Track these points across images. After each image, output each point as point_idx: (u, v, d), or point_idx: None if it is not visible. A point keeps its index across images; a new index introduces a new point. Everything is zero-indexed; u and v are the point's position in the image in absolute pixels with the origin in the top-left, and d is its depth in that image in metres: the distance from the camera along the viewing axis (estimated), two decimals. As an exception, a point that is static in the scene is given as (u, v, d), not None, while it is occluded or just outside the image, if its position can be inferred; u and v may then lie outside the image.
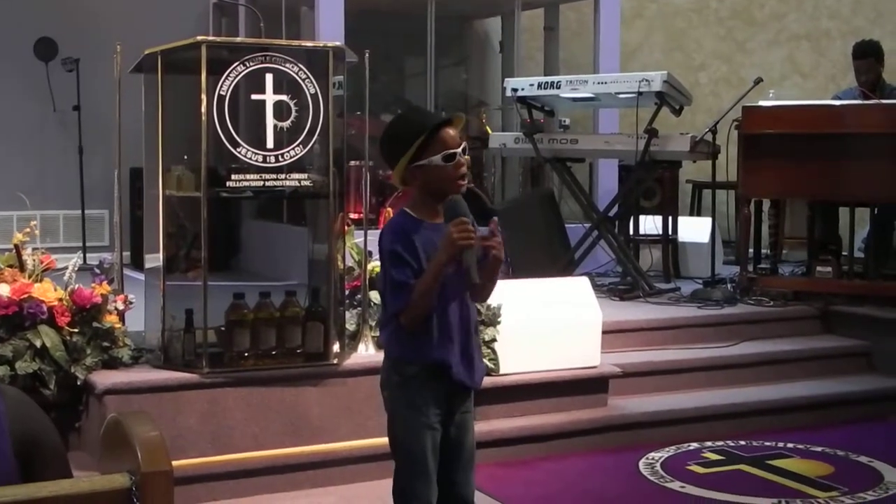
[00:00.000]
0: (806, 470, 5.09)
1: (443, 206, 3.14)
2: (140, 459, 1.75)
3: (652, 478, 4.96)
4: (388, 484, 3.27)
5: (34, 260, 4.84)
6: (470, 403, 3.31)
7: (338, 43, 5.09)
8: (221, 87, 4.65)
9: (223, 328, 4.89)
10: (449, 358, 3.15)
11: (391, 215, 3.84)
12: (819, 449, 5.43)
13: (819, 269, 7.09)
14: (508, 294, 5.37)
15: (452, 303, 3.15)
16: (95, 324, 4.73)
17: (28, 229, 4.88)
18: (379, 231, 3.33)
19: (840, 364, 6.55)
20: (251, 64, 4.70)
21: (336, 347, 4.95)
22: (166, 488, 1.75)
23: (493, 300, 5.26)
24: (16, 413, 2.03)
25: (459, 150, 3.14)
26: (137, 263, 6.85)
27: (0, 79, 8.87)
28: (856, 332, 6.74)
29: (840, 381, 6.34)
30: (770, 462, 5.20)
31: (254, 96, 4.76)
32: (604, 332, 5.66)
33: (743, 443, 5.51)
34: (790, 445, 5.47)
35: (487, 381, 5.14)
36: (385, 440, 3.30)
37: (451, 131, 3.15)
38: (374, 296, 5.13)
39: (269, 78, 4.73)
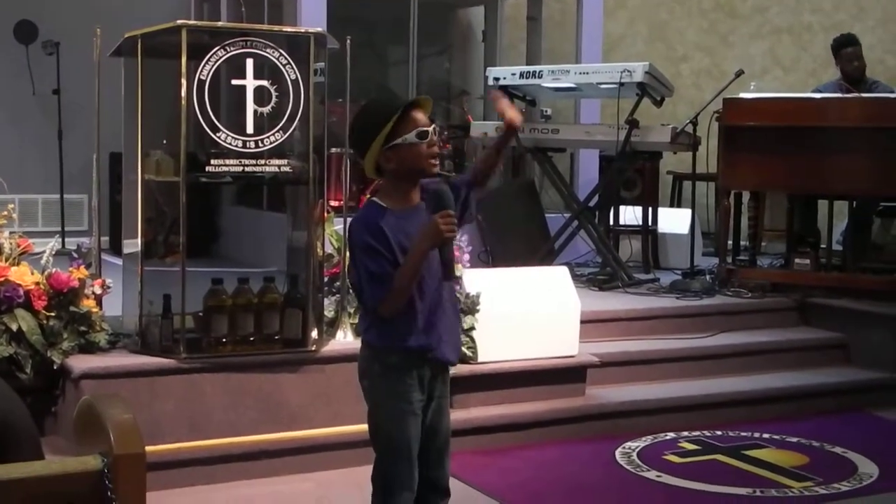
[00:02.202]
0: (781, 460, 5.11)
1: (426, 197, 3.16)
2: (112, 441, 1.74)
3: (628, 467, 4.97)
4: (364, 471, 3.28)
5: (11, 243, 4.81)
6: (446, 389, 3.32)
7: (319, 29, 5.08)
8: (202, 71, 4.63)
9: (201, 314, 4.88)
10: (430, 341, 3.16)
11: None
12: (794, 439, 5.45)
13: (797, 261, 7.12)
14: (488, 283, 5.38)
15: (431, 285, 3.16)
16: (72, 308, 4.71)
17: (6, 213, 4.85)
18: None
19: (817, 356, 6.58)
20: (232, 49, 4.68)
21: (314, 334, 4.95)
22: (139, 470, 1.75)
23: (472, 289, 5.27)
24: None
25: (431, 129, 3.16)
26: (116, 248, 6.82)
27: (-21, 62, 8.84)
28: (833, 325, 6.78)
29: (816, 372, 6.37)
30: (746, 452, 5.22)
31: (234, 81, 4.74)
32: (582, 322, 5.67)
33: (719, 433, 5.54)
34: (766, 436, 5.50)
35: (465, 368, 5.16)
36: (362, 427, 3.31)
37: (419, 112, 3.18)
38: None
39: (249, 63, 4.72)
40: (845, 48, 7.80)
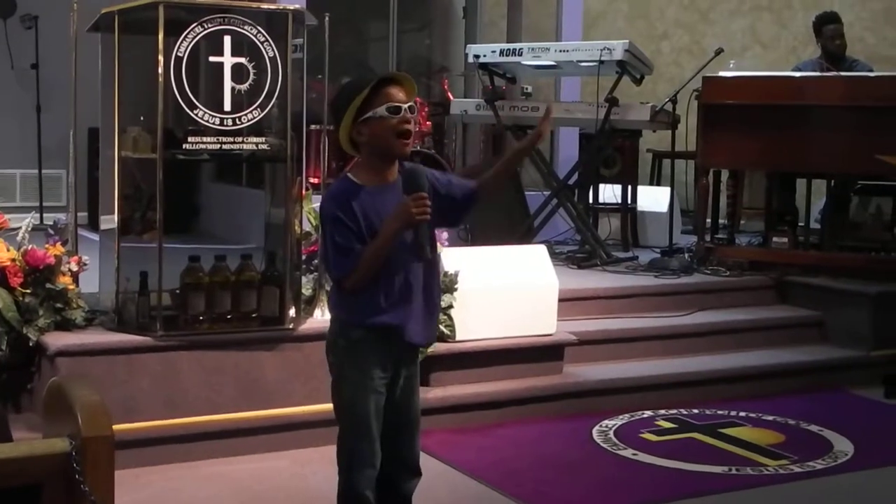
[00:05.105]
0: (757, 438, 5.14)
1: (401, 176, 3.16)
2: (80, 424, 1.74)
3: (605, 445, 4.99)
4: (336, 448, 3.29)
5: (-14, 220, 4.79)
6: (416, 368, 3.34)
7: (297, 6, 5.05)
8: (179, 48, 4.60)
9: (178, 291, 4.86)
10: (396, 321, 3.16)
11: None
12: (770, 418, 5.48)
13: (775, 239, 7.15)
14: (466, 261, 5.38)
15: (404, 264, 3.16)
16: (48, 285, 4.69)
17: (-18, 189, 4.83)
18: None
19: (794, 334, 6.62)
20: (209, 25, 4.65)
21: (292, 312, 4.94)
22: (107, 453, 1.75)
23: (450, 267, 5.26)
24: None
25: (405, 106, 3.15)
26: (94, 224, 6.79)
27: (-44, 35, 8.77)
28: (810, 303, 6.81)
29: (793, 350, 6.41)
30: (722, 430, 5.25)
31: (212, 58, 4.71)
32: (561, 300, 5.68)
33: (696, 411, 5.56)
34: (742, 414, 5.53)
35: (443, 347, 5.17)
36: (334, 404, 3.32)
37: (396, 88, 3.18)
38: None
39: (227, 40, 4.69)
40: (827, 25, 7.80)
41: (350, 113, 3.13)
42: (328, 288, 5.08)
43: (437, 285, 3.33)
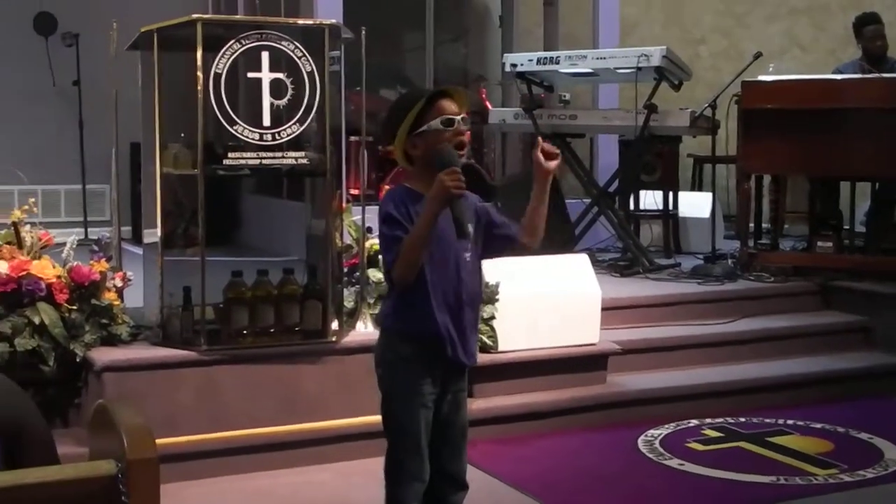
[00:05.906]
0: (805, 447, 5.08)
1: (433, 155, 3.13)
2: (126, 446, 1.75)
3: (651, 455, 4.96)
4: (383, 461, 3.28)
5: (33, 237, 4.83)
6: (464, 382, 3.32)
7: (333, 20, 5.08)
8: (217, 64, 4.64)
9: (221, 305, 4.89)
10: (445, 332, 3.15)
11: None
12: (819, 426, 5.42)
13: (819, 244, 7.08)
14: (507, 271, 5.36)
15: (451, 275, 3.16)
16: (94, 301, 4.73)
17: (27, 206, 4.87)
18: (378, 207, 3.32)
19: (840, 340, 6.53)
20: (247, 42, 4.68)
21: (334, 325, 4.95)
22: (152, 475, 1.75)
23: (491, 277, 5.25)
24: (1, 399, 2.02)
25: (459, 118, 3.17)
26: (138, 238, 6.84)
27: (-1, 53, 8.88)
28: (856, 308, 6.72)
29: (840, 357, 6.33)
30: (769, 439, 5.20)
31: (250, 74, 4.74)
32: (603, 309, 5.65)
33: (742, 420, 5.51)
34: (790, 422, 5.47)
35: (486, 358, 5.15)
36: (380, 417, 3.31)
37: (449, 101, 3.19)
38: (372, 273, 5.14)
39: (265, 56, 4.71)
40: (867, 26, 7.73)
41: (405, 127, 3.15)
42: (370, 301, 5.11)
43: (476, 305, 3.32)
